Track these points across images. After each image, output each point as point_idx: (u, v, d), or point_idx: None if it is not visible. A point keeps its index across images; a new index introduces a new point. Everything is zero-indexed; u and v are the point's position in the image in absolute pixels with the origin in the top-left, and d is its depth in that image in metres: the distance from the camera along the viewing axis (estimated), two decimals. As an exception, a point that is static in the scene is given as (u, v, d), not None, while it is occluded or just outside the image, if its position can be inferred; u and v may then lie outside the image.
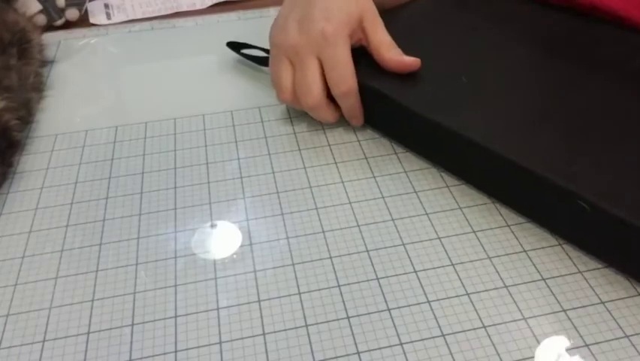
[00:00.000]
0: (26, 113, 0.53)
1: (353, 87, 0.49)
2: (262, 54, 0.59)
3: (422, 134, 0.48)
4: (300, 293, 0.39)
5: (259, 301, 0.39)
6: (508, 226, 0.43)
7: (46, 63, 0.62)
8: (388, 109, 0.49)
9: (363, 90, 0.49)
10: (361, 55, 0.50)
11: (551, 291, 0.39)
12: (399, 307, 0.38)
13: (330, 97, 0.50)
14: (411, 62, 0.49)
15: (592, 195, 0.38)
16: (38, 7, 0.66)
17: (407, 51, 0.49)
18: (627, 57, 0.50)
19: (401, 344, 0.36)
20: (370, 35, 0.50)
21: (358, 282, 0.40)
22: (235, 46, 0.61)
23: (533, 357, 0.35)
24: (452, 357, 0.35)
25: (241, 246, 0.43)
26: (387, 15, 0.51)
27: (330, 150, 0.50)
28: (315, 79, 0.48)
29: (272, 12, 0.70)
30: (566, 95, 0.47)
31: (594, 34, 0.52)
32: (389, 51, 0.49)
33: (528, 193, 0.42)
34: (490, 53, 0.52)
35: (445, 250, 0.41)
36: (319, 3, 0.49)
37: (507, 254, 0.41)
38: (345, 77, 0.48)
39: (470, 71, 0.49)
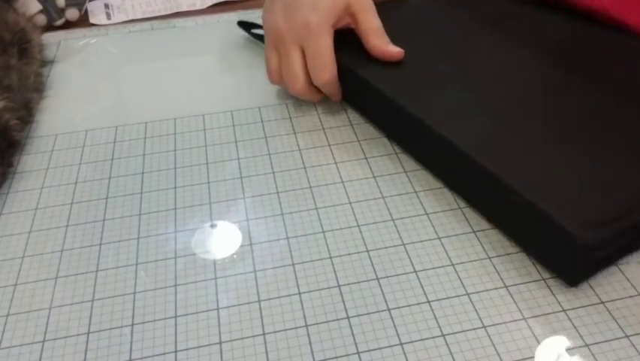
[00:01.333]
0: (26, 113, 0.53)
1: (333, 77, 0.50)
2: None
3: (389, 116, 0.49)
4: (300, 293, 0.39)
5: (259, 301, 0.39)
6: (508, 226, 0.43)
7: (46, 63, 0.62)
8: (363, 89, 0.51)
9: (343, 71, 0.51)
10: (346, 35, 0.51)
11: (551, 291, 0.39)
12: (399, 307, 0.38)
13: None
14: (394, 52, 0.50)
15: (520, 185, 0.39)
16: (38, 7, 0.66)
17: (395, 40, 0.50)
18: (614, 61, 0.50)
19: (401, 344, 0.36)
20: (359, 20, 0.51)
21: (358, 282, 0.40)
22: (246, 25, 0.63)
23: (533, 357, 0.35)
24: (452, 357, 0.35)
25: (241, 246, 0.43)
26: (384, 6, 0.52)
27: (330, 150, 0.50)
28: (298, 69, 0.51)
29: (272, 12, 0.70)
30: (541, 94, 0.47)
31: (585, 37, 0.53)
32: (376, 38, 0.50)
33: (472, 184, 0.44)
34: (476, 49, 0.52)
35: (445, 250, 0.41)
36: None
37: (507, 254, 0.41)
38: (325, 68, 0.50)
39: (452, 63, 0.50)
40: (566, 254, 0.38)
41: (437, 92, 0.48)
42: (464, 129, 0.44)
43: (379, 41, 0.50)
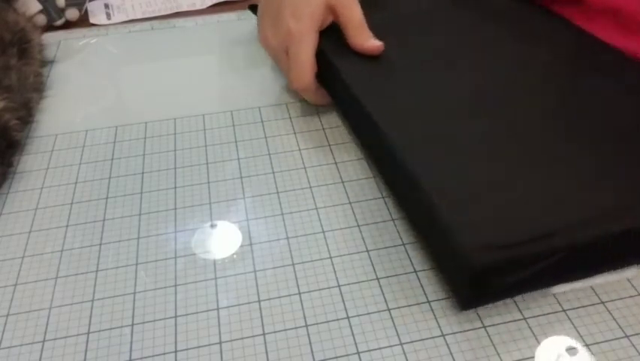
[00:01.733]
0: (26, 113, 0.53)
1: (309, 85, 0.51)
2: None
3: (351, 108, 0.49)
4: (300, 293, 0.39)
5: (259, 301, 0.39)
6: (508, 226, 0.43)
7: (46, 63, 0.62)
8: (334, 78, 0.51)
9: (323, 59, 0.51)
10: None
11: (551, 291, 0.39)
12: (399, 308, 0.38)
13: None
14: (373, 47, 0.50)
15: (433, 192, 0.38)
16: (38, 7, 0.66)
17: (380, 35, 0.50)
18: (605, 70, 0.49)
19: (401, 344, 0.36)
20: (339, 14, 0.51)
21: (358, 282, 0.40)
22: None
23: (533, 357, 0.35)
24: (452, 357, 0.35)
25: (241, 246, 0.43)
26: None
27: (330, 150, 0.50)
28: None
29: (272, 12, 0.70)
30: (502, 98, 0.46)
31: (580, 43, 0.52)
32: (356, 33, 0.50)
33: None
34: (458, 50, 0.52)
35: (445, 250, 0.41)
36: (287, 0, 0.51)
37: (507, 254, 0.41)
38: (302, 76, 0.51)
39: (426, 63, 0.50)
40: (461, 274, 0.36)
41: (396, 89, 0.47)
42: (406, 128, 0.43)
43: (359, 36, 0.50)
